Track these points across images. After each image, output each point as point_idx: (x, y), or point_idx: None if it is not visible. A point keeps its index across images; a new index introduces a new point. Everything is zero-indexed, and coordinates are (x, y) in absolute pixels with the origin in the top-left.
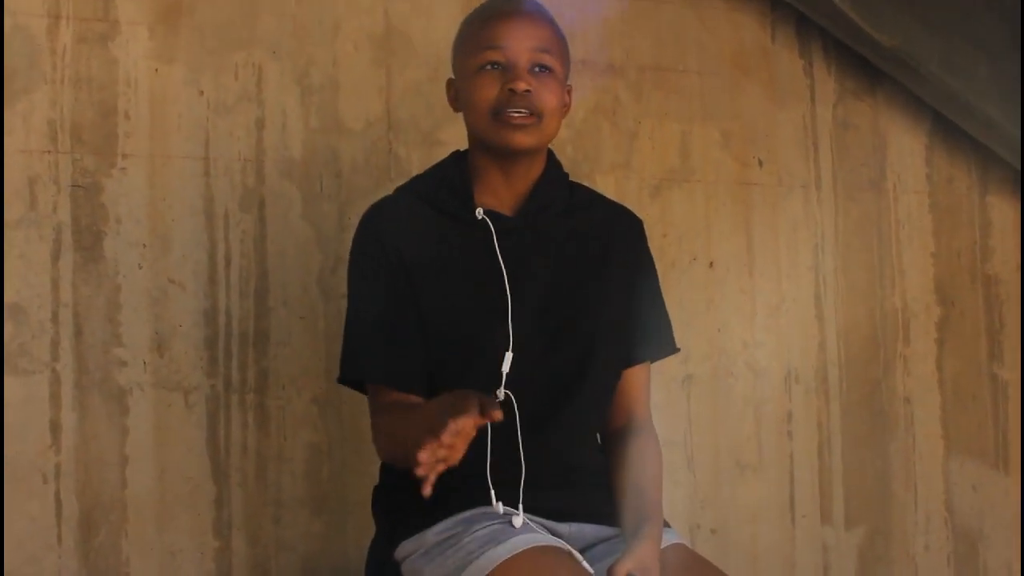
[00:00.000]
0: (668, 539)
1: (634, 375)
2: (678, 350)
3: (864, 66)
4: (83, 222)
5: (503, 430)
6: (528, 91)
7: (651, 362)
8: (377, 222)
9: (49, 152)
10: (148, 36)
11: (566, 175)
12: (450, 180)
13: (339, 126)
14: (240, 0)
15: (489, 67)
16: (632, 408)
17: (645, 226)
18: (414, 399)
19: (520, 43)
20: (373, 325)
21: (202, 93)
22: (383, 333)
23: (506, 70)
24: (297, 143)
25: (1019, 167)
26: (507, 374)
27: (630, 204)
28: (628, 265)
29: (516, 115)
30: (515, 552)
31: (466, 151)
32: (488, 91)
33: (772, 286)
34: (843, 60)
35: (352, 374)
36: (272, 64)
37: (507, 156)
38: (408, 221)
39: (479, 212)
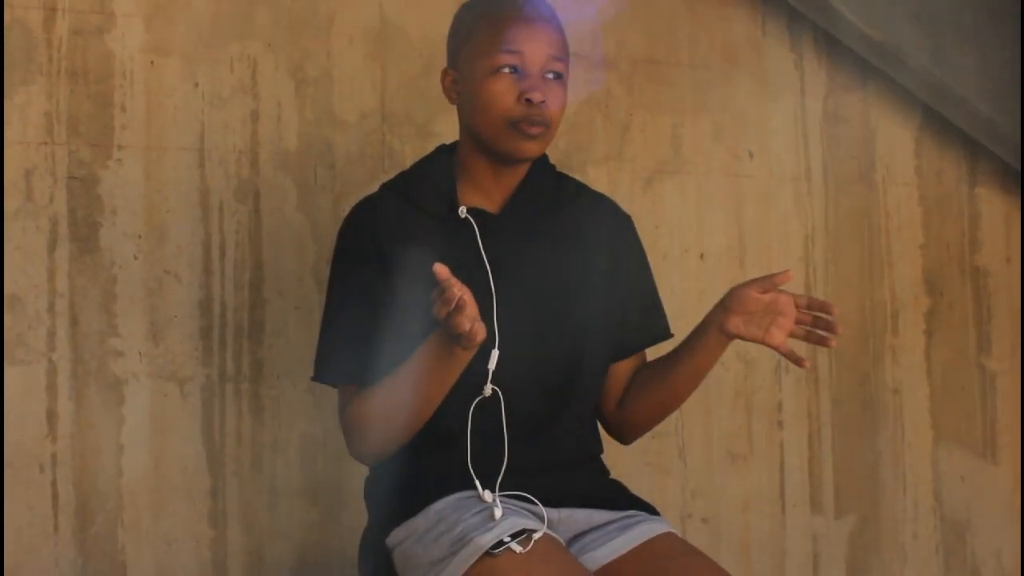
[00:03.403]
0: (659, 528)
1: (630, 364)
2: (672, 335)
3: (854, 59)
4: (79, 213)
5: (492, 422)
6: (543, 101)
7: (645, 348)
8: (360, 222)
9: (46, 144)
10: (144, 29)
11: (553, 167)
12: (434, 178)
13: (333, 118)
14: None
15: (505, 70)
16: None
17: (636, 218)
18: None
19: (538, 49)
20: (347, 327)
21: (197, 85)
22: (357, 336)
23: (521, 76)
24: (292, 135)
25: (1009, 160)
26: (495, 371)
27: (622, 196)
28: (616, 256)
29: (532, 128)
30: (502, 537)
31: (452, 144)
32: (504, 98)
33: None
34: (833, 53)
35: (325, 376)
36: (267, 57)
37: (509, 161)
38: (391, 220)
39: (462, 211)
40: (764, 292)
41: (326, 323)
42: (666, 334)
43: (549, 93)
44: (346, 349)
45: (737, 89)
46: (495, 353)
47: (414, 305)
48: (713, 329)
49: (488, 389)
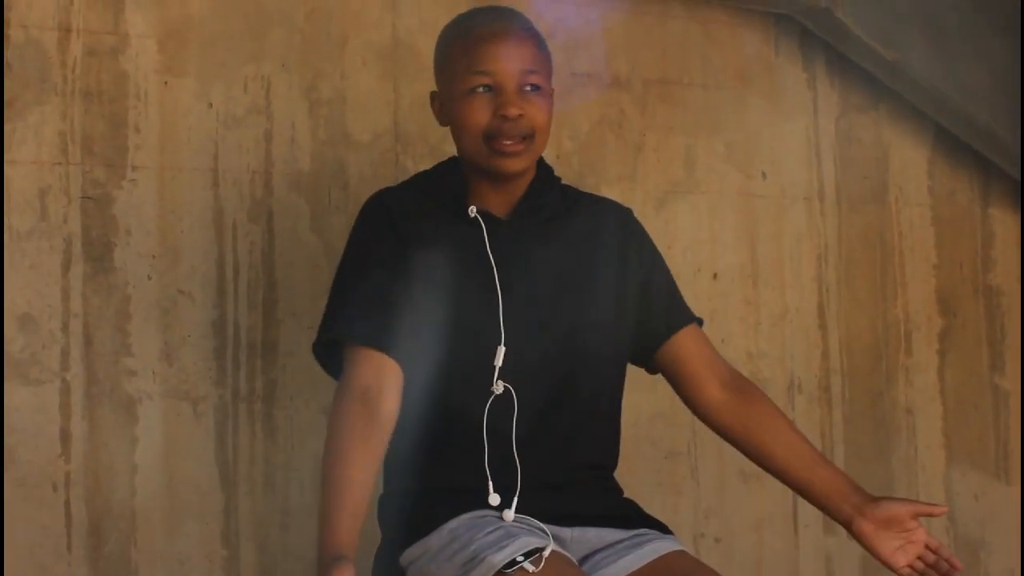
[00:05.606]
0: (670, 547)
1: (686, 342)
2: (699, 320)
3: (867, 80)
4: (93, 233)
5: (502, 430)
6: (520, 115)
7: (676, 334)
8: (384, 202)
9: (60, 164)
10: (158, 49)
11: (558, 179)
12: (448, 180)
13: (347, 139)
14: (249, 14)
15: (480, 90)
16: (714, 368)
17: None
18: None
19: (509, 66)
20: (367, 291)
21: (211, 106)
22: (378, 300)
23: (496, 93)
24: (305, 155)
25: (1020, 179)
26: (502, 368)
27: (635, 216)
28: (625, 253)
29: (509, 144)
30: (515, 556)
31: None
32: (479, 116)
33: (776, 297)
34: (846, 74)
35: (334, 332)
36: (281, 77)
37: (499, 179)
38: (411, 209)
39: (472, 210)
40: (915, 518)
41: (342, 285)
42: (690, 318)
43: (527, 106)
44: (367, 310)
45: (750, 109)
46: (501, 350)
47: (424, 293)
48: (841, 516)
49: (500, 386)
